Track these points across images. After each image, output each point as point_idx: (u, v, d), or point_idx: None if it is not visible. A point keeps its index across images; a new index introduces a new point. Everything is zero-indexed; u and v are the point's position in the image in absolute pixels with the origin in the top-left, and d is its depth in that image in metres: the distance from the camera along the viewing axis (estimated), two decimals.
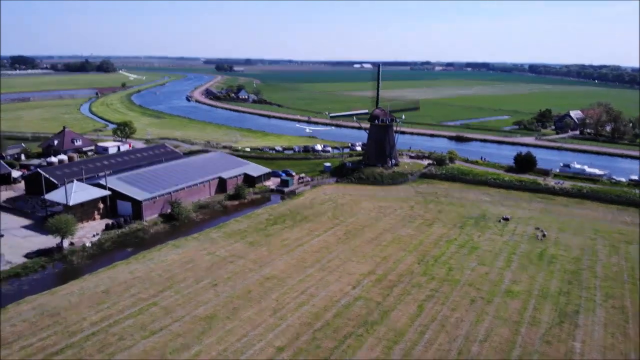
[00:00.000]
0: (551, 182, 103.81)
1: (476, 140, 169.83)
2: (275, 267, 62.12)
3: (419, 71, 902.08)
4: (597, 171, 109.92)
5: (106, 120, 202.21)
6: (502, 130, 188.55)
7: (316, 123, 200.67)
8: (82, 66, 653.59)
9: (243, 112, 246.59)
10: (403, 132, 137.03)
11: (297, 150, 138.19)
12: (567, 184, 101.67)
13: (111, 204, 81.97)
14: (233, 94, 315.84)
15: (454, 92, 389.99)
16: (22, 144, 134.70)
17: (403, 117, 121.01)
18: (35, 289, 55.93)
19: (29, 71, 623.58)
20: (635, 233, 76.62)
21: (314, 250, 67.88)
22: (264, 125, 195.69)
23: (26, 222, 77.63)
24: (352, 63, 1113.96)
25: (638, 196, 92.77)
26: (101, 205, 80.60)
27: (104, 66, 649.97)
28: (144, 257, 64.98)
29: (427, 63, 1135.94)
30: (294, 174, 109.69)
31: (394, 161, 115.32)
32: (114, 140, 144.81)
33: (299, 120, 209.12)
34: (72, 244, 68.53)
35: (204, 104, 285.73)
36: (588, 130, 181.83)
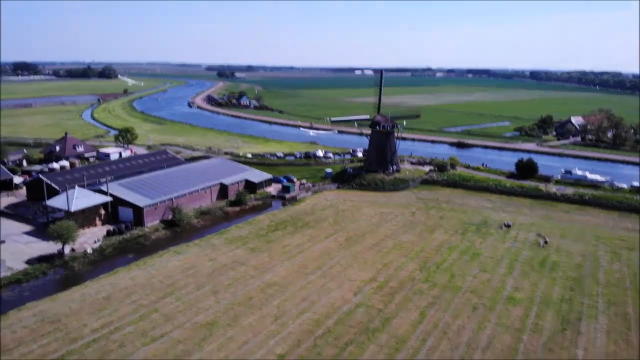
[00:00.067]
0: (553, 188, 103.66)
1: (477, 146, 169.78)
2: (277, 274, 62.02)
3: (420, 77, 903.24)
4: (598, 177, 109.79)
5: (108, 126, 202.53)
6: (503, 137, 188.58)
7: (317, 129, 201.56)
8: (84, 72, 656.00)
9: (244, 118, 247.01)
10: (404, 138, 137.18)
11: (298, 156, 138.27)
12: (569, 191, 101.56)
13: (112, 210, 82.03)
14: (234, 100, 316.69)
15: (455, 98, 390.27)
16: (24, 150, 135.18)
17: (404, 123, 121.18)
18: (36, 295, 55.86)
19: (31, 77, 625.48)
20: (637, 239, 76.43)
21: (315, 257, 67.79)
22: (265, 132, 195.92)
23: (28, 228, 77.68)
24: (353, 69, 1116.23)
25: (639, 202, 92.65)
26: (102, 212, 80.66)
27: (106, 72, 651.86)
28: (145, 264, 64.93)
29: (428, 69, 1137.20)
30: (295, 180, 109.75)
31: (395, 167, 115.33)
32: (116, 146, 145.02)
33: (301, 127, 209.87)
34: (73, 250, 68.53)
35: (206, 110, 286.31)
36: (589, 137, 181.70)
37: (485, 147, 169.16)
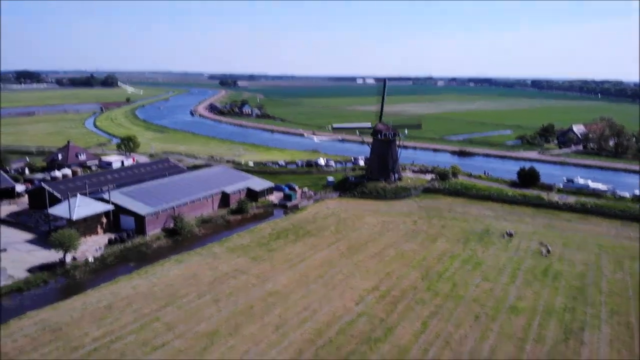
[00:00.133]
0: (555, 197, 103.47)
1: (479, 155, 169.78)
2: (278, 283, 61.86)
3: (422, 86, 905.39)
4: (600, 186, 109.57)
5: (110, 134, 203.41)
6: (505, 145, 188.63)
7: (320, 136, 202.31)
8: (87, 81, 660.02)
9: (246, 126, 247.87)
10: (406, 147, 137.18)
11: (300, 164, 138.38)
12: (571, 199, 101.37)
13: (114, 219, 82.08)
14: (237, 109, 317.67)
15: (456, 106, 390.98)
16: (27, 158, 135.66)
17: (406, 132, 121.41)
18: (38, 304, 55.77)
19: (34, 85, 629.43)
20: (639, 249, 76.17)
21: (317, 265, 67.63)
22: (267, 140, 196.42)
23: (29, 236, 77.76)
24: (354, 78, 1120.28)
25: None
26: (104, 220, 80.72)
27: (109, 81, 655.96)
28: (147, 272, 64.83)
29: (430, 78, 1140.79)
30: (297, 188, 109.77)
31: (397, 175, 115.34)
32: (118, 155, 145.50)
33: (304, 134, 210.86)
34: (74, 258, 68.49)
35: (208, 118, 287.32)
36: (591, 145, 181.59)
37: (487, 155, 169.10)
